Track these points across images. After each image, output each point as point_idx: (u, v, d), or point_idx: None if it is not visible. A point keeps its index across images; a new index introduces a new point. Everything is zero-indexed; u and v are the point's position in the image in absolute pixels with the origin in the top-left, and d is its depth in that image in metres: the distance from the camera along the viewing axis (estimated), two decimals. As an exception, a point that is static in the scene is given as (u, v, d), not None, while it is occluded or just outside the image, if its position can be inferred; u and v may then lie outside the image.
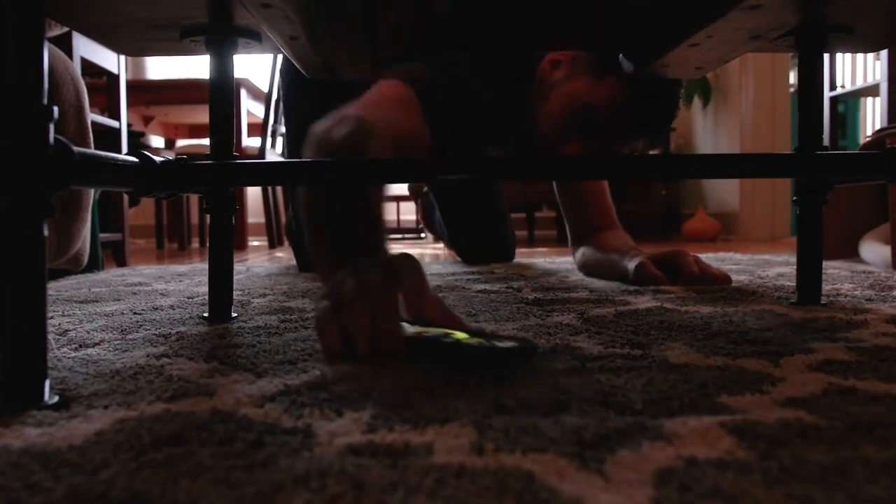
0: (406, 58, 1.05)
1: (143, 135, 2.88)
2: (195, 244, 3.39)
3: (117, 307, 0.92)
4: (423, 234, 3.51)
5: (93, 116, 1.62)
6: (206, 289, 1.13)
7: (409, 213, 4.25)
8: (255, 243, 3.52)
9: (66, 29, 1.42)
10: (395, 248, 2.68)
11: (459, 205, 1.70)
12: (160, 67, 4.16)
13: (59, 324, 0.79)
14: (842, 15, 0.76)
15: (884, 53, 2.09)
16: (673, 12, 0.77)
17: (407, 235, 3.51)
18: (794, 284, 0.92)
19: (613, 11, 0.80)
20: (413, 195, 2.43)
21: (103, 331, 0.74)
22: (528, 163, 0.84)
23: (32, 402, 0.45)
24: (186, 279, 1.32)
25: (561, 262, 1.66)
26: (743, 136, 3.33)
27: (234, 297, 0.91)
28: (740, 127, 3.35)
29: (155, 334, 0.71)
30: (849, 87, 2.50)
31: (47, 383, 0.47)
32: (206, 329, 0.74)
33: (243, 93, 2.81)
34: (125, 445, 0.37)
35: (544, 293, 1.01)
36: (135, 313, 0.87)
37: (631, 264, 1.11)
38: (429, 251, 2.47)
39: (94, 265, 1.53)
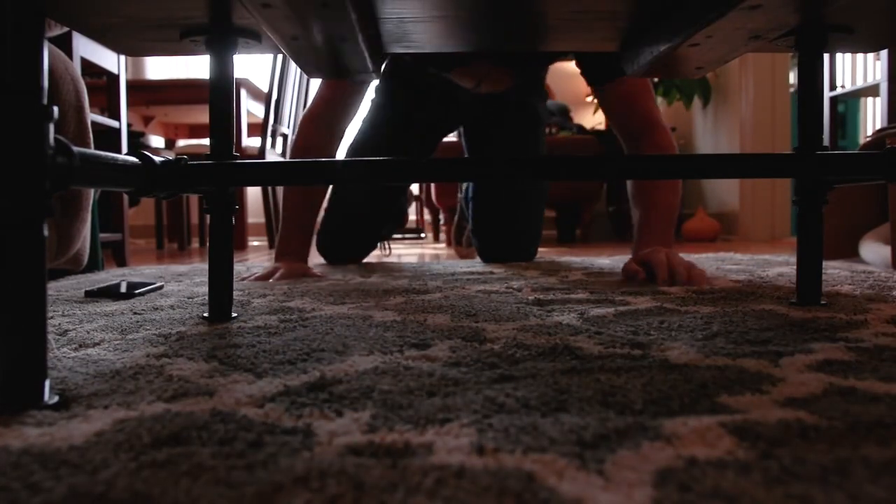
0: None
1: (143, 135, 2.88)
2: (195, 244, 3.39)
3: (117, 307, 0.92)
4: (422, 234, 3.53)
5: (93, 116, 1.62)
6: (206, 289, 1.13)
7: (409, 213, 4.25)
8: (255, 243, 3.52)
9: (66, 29, 1.42)
10: (398, 247, 2.68)
11: (496, 197, 1.76)
12: (160, 67, 4.16)
13: (59, 324, 0.79)
14: (842, 15, 0.76)
15: (884, 53, 2.09)
16: (673, 12, 0.77)
17: (407, 235, 3.52)
18: (794, 284, 0.92)
19: (614, 13, 0.80)
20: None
21: (103, 331, 0.74)
22: (528, 163, 0.84)
23: (32, 402, 0.45)
24: (186, 279, 1.32)
25: (561, 262, 1.66)
26: (743, 136, 3.34)
27: (234, 297, 0.91)
28: (740, 127, 3.35)
29: (155, 334, 0.71)
30: (849, 87, 2.50)
31: (47, 383, 0.47)
32: (206, 329, 0.74)
33: (243, 93, 2.81)
34: (125, 445, 0.37)
35: (544, 293, 1.01)
36: (135, 313, 0.87)
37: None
38: (429, 251, 2.47)
39: (94, 265, 1.53)
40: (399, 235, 3.60)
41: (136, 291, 1.06)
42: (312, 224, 1.46)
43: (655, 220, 1.29)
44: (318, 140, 1.45)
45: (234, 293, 0.91)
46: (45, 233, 0.47)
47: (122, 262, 1.89)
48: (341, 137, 1.49)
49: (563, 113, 3.39)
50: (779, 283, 1.11)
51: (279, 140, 3.00)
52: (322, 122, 1.46)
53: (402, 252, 2.42)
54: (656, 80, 3.53)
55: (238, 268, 1.58)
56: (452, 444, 0.37)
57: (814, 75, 0.84)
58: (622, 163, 0.93)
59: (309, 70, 0.86)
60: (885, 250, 1.48)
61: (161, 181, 0.72)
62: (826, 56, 2.28)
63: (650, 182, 1.31)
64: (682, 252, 1.36)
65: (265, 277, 1.28)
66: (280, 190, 3.32)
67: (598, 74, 1.38)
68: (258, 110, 3.03)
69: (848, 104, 4.26)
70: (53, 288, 1.18)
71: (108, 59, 1.85)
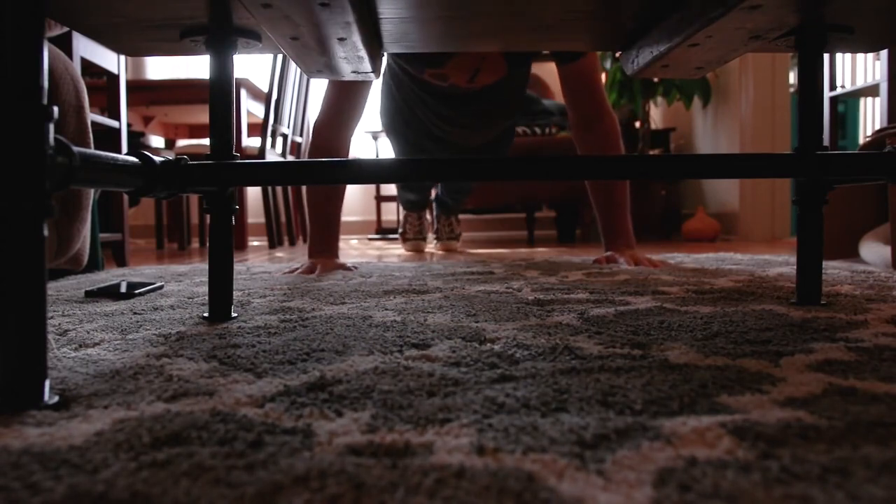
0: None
1: (143, 135, 2.88)
2: (195, 244, 3.39)
3: (117, 307, 0.92)
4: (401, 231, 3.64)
5: (93, 116, 1.62)
6: (206, 289, 1.13)
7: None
8: (255, 243, 3.52)
9: (66, 29, 1.42)
10: (393, 246, 2.68)
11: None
12: (160, 67, 4.16)
13: (59, 324, 0.79)
14: (842, 15, 0.76)
15: (884, 53, 2.08)
16: (673, 12, 0.77)
17: (389, 235, 3.58)
18: (794, 284, 0.92)
19: (614, 14, 0.80)
20: None
21: (103, 331, 0.74)
22: (527, 163, 0.84)
23: (32, 402, 0.45)
24: (186, 279, 1.32)
25: (561, 262, 1.66)
26: (743, 136, 3.33)
27: (234, 297, 0.92)
28: (740, 127, 3.35)
29: (155, 334, 0.71)
30: (849, 87, 2.50)
31: (47, 383, 0.47)
32: (206, 329, 0.74)
33: (243, 93, 2.81)
34: (125, 445, 0.37)
35: (544, 293, 1.01)
36: (135, 313, 0.87)
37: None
38: (428, 251, 2.47)
39: (94, 265, 1.53)
40: (395, 236, 3.60)
41: (136, 291, 1.06)
42: (336, 219, 1.59)
43: (618, 220, 1.60)
44: (333, 141, 1.58)
45: (235, 293, 0.91)
46: (45, 233, 0.47)
47: (122, 262, 1.89)
48: (353, 132, 1.62)
49: (563, 113, 3.39)
50: (779, 283, 1.11)
51: (279, 140, 3.00)
52: (336, 122, 1.58)
53: (400, 252, 2.42)
54: (656, 80, 3.53)
55: (238, 268, 1.58)
56: (452, 444, 0.37)
57: (814, 75, 0.84)
58: (621, 163, 0.93)
59: (309, 70, 0.86)
60: (885, 250, 1.48)
61: (161, 181, 0.72)
62: (826, 56, 2.28)
63: (610, 182, 1.59)
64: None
65: (304, 273, 1.43)
66: (280, 190, 3.32)
67: (568, 52, 1.58)
68: (258, 110, 3.02)
69: (848, 104, 4.26)
70: (53, 288, 1.18)
71: (108, 59, 1.85)
